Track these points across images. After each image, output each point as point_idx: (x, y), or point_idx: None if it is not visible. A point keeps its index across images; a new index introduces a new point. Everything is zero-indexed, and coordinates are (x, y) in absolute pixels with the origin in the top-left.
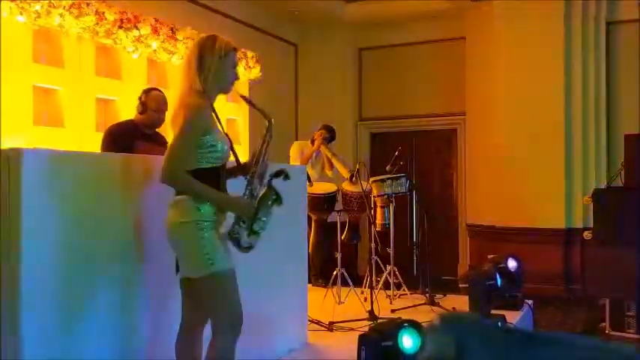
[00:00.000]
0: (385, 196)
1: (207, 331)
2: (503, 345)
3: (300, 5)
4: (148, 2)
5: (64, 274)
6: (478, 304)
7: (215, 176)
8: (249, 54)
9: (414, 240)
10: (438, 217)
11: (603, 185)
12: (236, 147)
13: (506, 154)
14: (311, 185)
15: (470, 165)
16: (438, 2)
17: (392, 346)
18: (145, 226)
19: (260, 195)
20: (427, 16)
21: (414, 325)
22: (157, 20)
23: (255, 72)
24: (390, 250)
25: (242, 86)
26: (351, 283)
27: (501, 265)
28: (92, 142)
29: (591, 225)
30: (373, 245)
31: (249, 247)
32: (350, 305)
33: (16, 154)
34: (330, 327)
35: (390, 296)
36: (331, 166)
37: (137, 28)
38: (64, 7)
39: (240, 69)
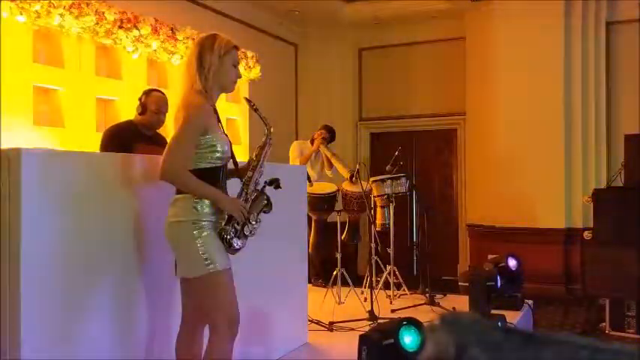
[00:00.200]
0: (385, 196)
1: (207, 330)
2: (503, 345)
3: (300, 5)
4: (148, 2)
5: (64, 274)
6: (478, 304)
7: (215, 176)
8: (249, 54)
9: (414, 240)
10: (438, 217)
11: (603, 185)
12: (236, 147)
13: (506, 154)
14: (311, 185)
15: (470, 165)
16: (438, 2)
17: (393, 345)
18: (145, 226)
19: (252, 200)
20: (427, 16)
21: (414, 322)
22: (157, 20)
23: (255, 72)
24: (390, 250)
25: (242, 86)
26: (351, 283)
27: (502, 265)
28: (92, 142)
29: (591, 225)
30: (373, 245)
31: (238, 249)
32: (350, 305)
33: (16, 154)
34: (330, 327)
35: (390, 296)
36: (330, 165)
37: (137, 28)
38: (64, 7)
39: (241, 69)
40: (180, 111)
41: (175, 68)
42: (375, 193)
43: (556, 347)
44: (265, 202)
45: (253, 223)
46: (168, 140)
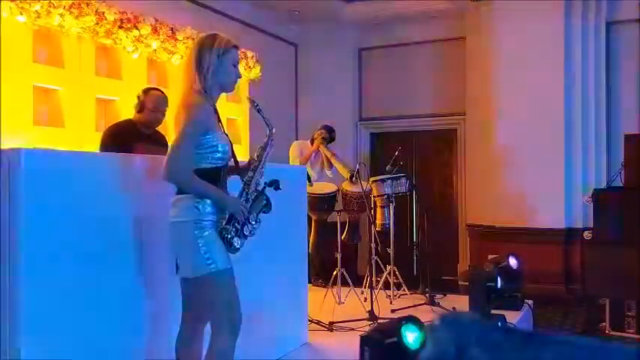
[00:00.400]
0: (385, 196)
1: (208, 330)
2: (503, 345)
3: (300, 5)
4: (148, 2)
5: (64, 274)
6: (478, 304)
7: (216, 176)
8: (249, 54)
9: (414, 240)
10: (438, 217)
11: (603, 185)
12: (236, 147)
13: (506, 154)
14: (311, 185)
15: (470, 165)
16: (438, 2)
17: (396, 343)
18: (145, 226)
19: (252, 200)
20: (427, 16)
21: (414, 320)
22: (157, 20)
23: (255, 72)
24: (390, 250)
25: (242, 86)
26: (351, 283)
27: (502, 265)
28: (92, 142)
29: (591, 225)
30: (373, 245)
31: (237, 250)
32: (350, 305)
33: (16, 154)
34: (330, 327)
35: (390, 296)
36: (330, 166)
37: (137, 28)
38: (64, 7)
39: (241, 69)
40: (180, 111)
41: (175, 68)
42: (375, 193)
43: (556, 347)
44: (265, 202)
45: (253, 223)
46: (170, 140)
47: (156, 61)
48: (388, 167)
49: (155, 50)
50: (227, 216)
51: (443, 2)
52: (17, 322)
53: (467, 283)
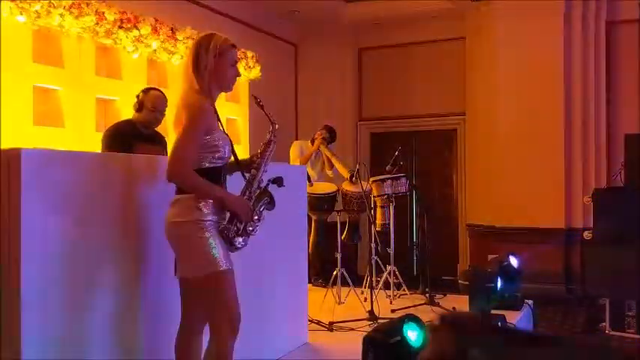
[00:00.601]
0: (385, 196)
1: (207, 330)
2: (503, 345)
3: (300, 5)
4: (148, 2)
5: (63, 274)
6: (478, 304)
7: (216, 176)
8: (249, 54)
9: (414, 240)
10: (438, 217)
11: (603, 185)
12: (236, 147)
13: (506, 153)
14: (311, 185)
15: (470, 165)
16: (438, 2)
17: (400, 342)
18: (145, 226)
19: (255, 197)
20: (427, 16)
21: (415, 319)
22: (157, 20)
23: (255, 72)
24: (390, 250)
25: (242, 86)
26: (351, 283)
27: (503, 264)
28: (92, 142)
29: (591, 225)
30: (373, 245)
31: (242, 247)
32: (350, 305)
33: (15, 154)
34: (330, 327)
35: (390, 296)
36: (331, 166)
37: (137, 28)
38: (64, 7)
39: (241, 69)
40: (180, 112)
41: (175, 68)
42: (375, 193)
43: (556, 347)
44: (268, 199)
45: (256, 220)
46: (169, 140)
47: (156, 61)
48: (388, 167)
49: (155, 50)
50: (227, 215)
51: (443, 2)
52: (17, 322)
53: (467, 283)
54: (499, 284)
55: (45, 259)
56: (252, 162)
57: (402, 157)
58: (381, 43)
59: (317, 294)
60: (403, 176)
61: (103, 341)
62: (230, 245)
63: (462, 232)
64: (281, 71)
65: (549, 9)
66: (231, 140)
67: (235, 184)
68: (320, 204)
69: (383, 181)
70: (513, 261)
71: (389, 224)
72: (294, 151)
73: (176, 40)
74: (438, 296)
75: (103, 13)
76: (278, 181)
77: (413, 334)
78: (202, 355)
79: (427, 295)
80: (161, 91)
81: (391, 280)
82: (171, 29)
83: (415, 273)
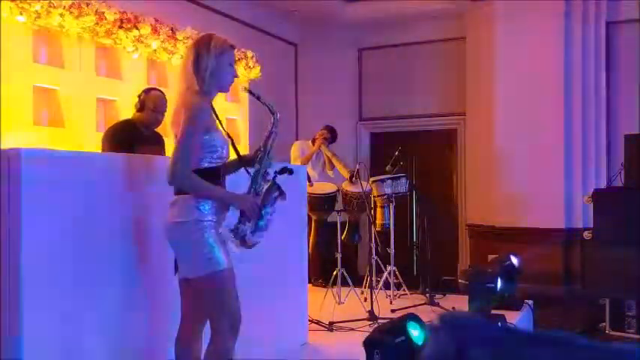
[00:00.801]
0: (385, 196)
1: (207, 330)
2: (503, 345)
3: (300, 5)
4: (148, 2)
5: (63, 273)
6: (477, 304)
7: (215, 176)
8: (249, 54)
9: (414, 240)
10: (438, 217)
11: (603, 185)
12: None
13: (506, 154)
14: (311, 185)
15: (470, 165)
16: (438, 2)
17: (405, 341)
18: (145, 226)
19: (264, 191)
20: (427, 16)
21: (416, 318)
22: (157, 20)
23: (255, 72)
24: (390, 250)
25: (241, 85)
26: (351, 283)
27: (504, 264)
28: (92, 142)
29: (591, 225)
30: (373, 245)
31: (254, 244)
32: (350, 305)
33: (15, 154)
34: (330, 327)
35: (390, 296)
36: (332, 166)
37: (137, 28)
38: (64, 7)
39: (241, 69)
40: (179, 113)
41: (175, 68)
42: (375, 193)
43: (556, 347)
44: (277, 192)
45: (268, 215)
46: (169, 140)
47: (156, 61)
48: (388, 167)
49: (155, 50)
50: (226, 215)
51: (443, 2)
52: (18, 321)
53: (467, 283)
54: (499, 284)
55: (45, 259)
56: (255, 157)
57: (402, 157)
58: (381, 43)
59: (317, 294)
60: (403, 176)
61: (103, 341)
62: (244, 244)
63: (462, 232)
64: (281, 71)
65: (549, 9)
66: (232, 139)
67: (242, 181)
68: (320, 204)
69: (383, 181)
70: (514, 261)
71: (389, 224)
72: (294, 151)
73: (176, 40)
74: (438, 296)
75: (103, 13)
76: (284, 171)
77: (416, 333)
78: (203, 356)
79: (427, 295)
80: (162, 92)
81: (391, 280)
82: (171, 29)
83: (415, 273)
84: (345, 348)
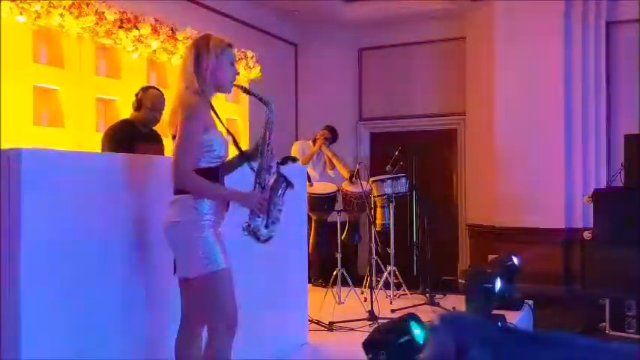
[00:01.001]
0: (385, 196)
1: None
2: (503, 345)
3: (300, 5)
4: (148, 2)
5: (63, 274)
6: (474, 305)
7: (215, 176)
8: (249, 54)
9: (414, 240)
10: (438, 217)
11: (603, 185)
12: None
13: (506, 154)
14: (311, 185)
15: (470, 165)
16: (438, 2)
17: (409, 341)
18: (145, 226)
19: (270, 184)
20: (427, 16)
21: (416, 318)
22: (157, 20)
23: (255, 72)
24: (390, 250)
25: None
26: (351, 283)
27: (506, 264)
28: (92, 142)
29: (591, 225)
30: (373, 245)
31: (268, 238)
32: (350, 305)
33: (15, 154)
34: (330, 327)
35: (390, 296)
36: (332, 166)
37: (137, 28)
38: (64, 7)
39: (241, 69)
40: (176, 113)
41: (175, 68)
42: (375, 193)
43: (556, 347)
44: (284, 182)
45: (278, 207)
46: (167, 139)
47: (156, 61)
48: (388, 167)
49: (155, 50)
50: (225, 215)
51: (443, 2)
52: (17, 322)
53: (466, 282)
54: (499, 284)
55: (45, 259)
56: (255, 150)
57: (402, 157)
58: (381, 43)
59: (317, 294)
60: (403, 176)
61: (102, 341)
62: (257, 240)
63: (462, 232)
64: (281, 71)
65: (549, 9)
66: (233, 137)
67: (243, 180)
68: (320, 204)
69: (383, 181)
70: (517, 260)
71: (389, 224)
72: (295, 151)
73: (176, 40)
74: (438, 296)
75: (103, 13)
76: (287, 160)
77: (418, 332)
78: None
79: (427, 295)
80: (160, 90)
81: (391, 280)
82: (171, 29)
83: (415, 273)
84: (345, 348)
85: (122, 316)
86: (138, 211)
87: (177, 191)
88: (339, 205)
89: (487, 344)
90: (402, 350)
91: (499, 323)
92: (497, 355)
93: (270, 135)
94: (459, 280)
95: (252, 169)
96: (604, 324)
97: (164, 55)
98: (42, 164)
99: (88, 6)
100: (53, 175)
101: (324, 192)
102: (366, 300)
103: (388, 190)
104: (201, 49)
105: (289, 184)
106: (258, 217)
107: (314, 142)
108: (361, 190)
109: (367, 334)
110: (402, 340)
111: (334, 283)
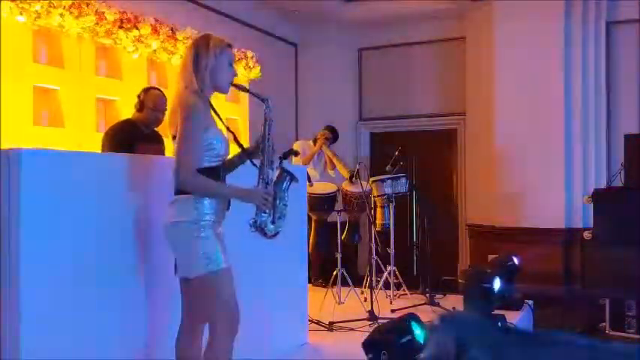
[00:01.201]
0: (385, 196)
1: (207, 330)
2: (503, 345)
3: (300, 5)
4: (148, 2)
5: (63, 274)
6: (473, 304)
7: (216, 175)
8: (249, 54)
9: (414, 240)
10: (438, 217)
11: (603, 185)
12: (236, 148)
13: (506, 154)
14: (311, 185)
15: (470, 165)
16: (438, 2)
17: (410, 341)
18: (145, 226)
19: (275, 180)
20: (427, 16)
21: (416, 318)
22: (157, 20)
23: (255, 72)
24: (390, 250)
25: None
26: (351, 283)
27: (506, 264)
28: (92, 142)
29: (591, 225)
30: (373, 245)
31: (276, 233)
32: (350, 305)
33: (15, 154)
34: (330, 327)
35: (390, 296)
36: (333, 166)
37: (137, 28)
38: (64, 7)
39: (240, 69)
40: (175, 113)
41: (175, 68)
42: (375, 193)
43: (556, 347)
44: (288, 177)
45: (283, 202)
46: (168, 140)
47: (156, 61)
48: (388, 167)
49: (155, 50)
50: (225, 214)
51: (443, 2)
52: (17, 322)
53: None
54: (498, 284)
55: (45, 260)
56: (257, 147)
57: (402, 157)
58: (381, 43)
59: (317, 294)
60: (403, 176)
61: (103, 341)
62: (264, 236)
63: (462, 232)
64: (281, 71)
65: (549, 9)
66: (235, 135)
67: (246, 178)
68: (320, 204)
69: (383, 181)
70: (515, 261)
71: (389, 224)
72: None
73: (176, 40)
74: (438, 296)
75: (103, 13)
76: (288, 154)
77: (419, 332)
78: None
79: (427, 295)
80: (161, 90)
81: (391, 280)
82: (171, 29)
83: (415, 273)
84: (345, 348)
85: (122, 316)
86: (138, 211)
87: (178, 191)
88: (339, 205)
89: (487, 344)
90: (403, 350)
91: (499, 323)
92: (497, 355)
93: (269, 131)
94: (459, 280)
95: (254, 165)
96: (604, 324)
97: (164, 55)
98: (42, 164)
99: (88, 6)
100: (53, 175)
101: (324, 192)
102: (366, 300)
103: (388, 190)
104: (200, 48)
105: (293, 178)
106: (264, 212)
107: (314, 142)
108: (361, 190)
109: (367, 334)
110: (402, 340)
111: (334, 283)
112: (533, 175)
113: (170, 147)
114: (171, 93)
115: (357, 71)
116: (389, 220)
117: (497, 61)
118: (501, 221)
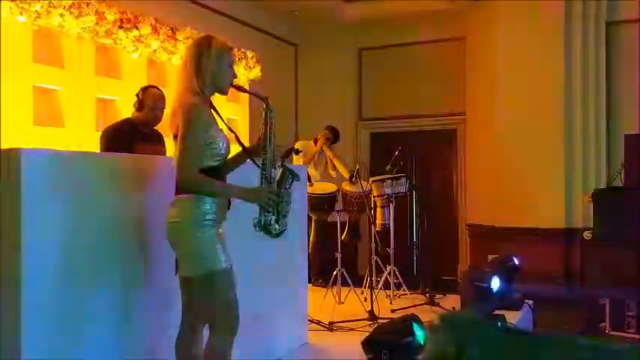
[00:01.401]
0: (385, 196)
1: (207, 330)
2: (503, 345)
3: (300, 5)
4: (148, 2)
5: (64, 273)
6: (472, 304)
7: (217, 175)
8: (249, 54)
9: (414, 240)
10: (438, 217)
11: (603, 185)
12: (236, 148)
13: (506, 154)
14: (311, 185)
15: (470, 165)
16: (438, 2)
17: (412, 341)
18: (145, 226)
19: (277, 179)
20: (427, 16)
21: (416, 318)
22: (157, 20)
23: (255, 72)
24: (390, 250)
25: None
26: (351, 283)
27: (507, 264)
28: (92, 142)
29: (591, 225)
30: (373, 245)
31: (281, 232)
32: (350, 305)
33: (16, 154)
34: (330, 327)
35: (390, 296)
36: (334, 166)
37: (137, 28)
38: (64, 7)
39: (240, 69)
40: (176, 114)
41: (175, 68)
42: (375, 193)
43: (556, 347)
44: (290, 175)
45: (286, 200)
46: (168, 140)
47: (156, 61)
48: (388, 167)
49: (155, 50)
50: (226, 214)
51: (443, 2)
52: (18, 322)
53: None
54: (496, 284)
55: (45, 259)
56: (258, 146)
57: (402, 157)
58: (381, 43)
59: (317, 294)
60: (403, 176)
61: (103, 341)
62: (269, 234)
63: (462, 232)
64: (281, 71)
65: (549, 9)
66: (236, 134)
67: (248, 177)
68: (320, 204)
69: (383, 181)
70: (515, 261)
71: (389, 224)
72: None
73: (176, 40)
74: (438, 296)
75: (103, 13)
76: (291, 153)
77: (420, 333)
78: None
79: (427, 295)
80: (160, 89)
81: (391, 280)
82: (172, 29)
83: (415, 273)
84: (345, 348)
85: (122, 316)
86: (138, 211)
87: (179, 191)
88: (339, 205)
89: (487, 344)
90: (403, 350)
91: (499, 323)
92: (497, 355)
93: (270, 130)
94: (459, 281)
95: (256, 164)
96: (604, 324)
97: (164, 55)
98: (42, 164)
99: (88, 6)
100: (53, 175)
101: (324, 192)
102: (366, 300)
103: (388, 190)
104: (202, 50)
105: (295, 176)
106: (268, 211)
107: (315, 142)
108: (361, 190)
109: (367, 334)
110: (403, 340)
111: (334, 283)
112: (533, 175)
113: (171, 147)
114: (171, 92)
115: (357, 71)
116: (389, 220)
117: (498, 61)
118: (501, 221)
